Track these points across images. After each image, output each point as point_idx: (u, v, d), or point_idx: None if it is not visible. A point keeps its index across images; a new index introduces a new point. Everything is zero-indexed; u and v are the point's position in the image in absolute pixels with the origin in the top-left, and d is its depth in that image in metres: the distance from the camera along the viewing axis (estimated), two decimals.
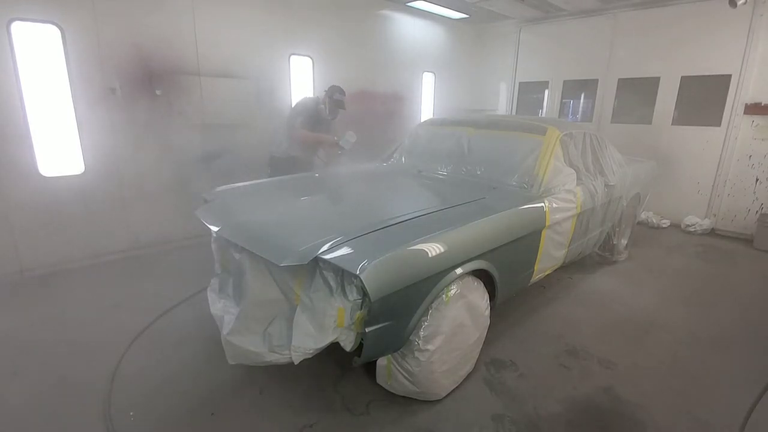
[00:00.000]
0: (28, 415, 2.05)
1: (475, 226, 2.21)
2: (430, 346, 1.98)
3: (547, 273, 3.04)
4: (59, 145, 3.57)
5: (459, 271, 2.04)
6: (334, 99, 3.99)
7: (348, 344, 1.82)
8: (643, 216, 5.58)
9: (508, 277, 2.45)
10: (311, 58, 5.15)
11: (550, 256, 2.89)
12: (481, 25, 7.26)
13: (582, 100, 6.57)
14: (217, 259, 2.49)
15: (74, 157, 3.64)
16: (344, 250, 1.79)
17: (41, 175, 3.48)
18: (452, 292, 2.03)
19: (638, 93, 5.82)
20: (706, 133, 5.29)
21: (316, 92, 5.27)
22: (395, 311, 1.83)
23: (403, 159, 3.72)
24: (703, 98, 5.33)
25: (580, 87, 6.47)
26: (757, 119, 4.90)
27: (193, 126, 4.24)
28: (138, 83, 3.84)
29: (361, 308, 1.77)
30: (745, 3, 4.16)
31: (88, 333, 2.74)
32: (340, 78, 5.43)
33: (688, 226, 5.41)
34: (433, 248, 1.91)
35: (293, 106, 4.22)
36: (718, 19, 4.98)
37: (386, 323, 1.81)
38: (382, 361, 2.14)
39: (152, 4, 3.81)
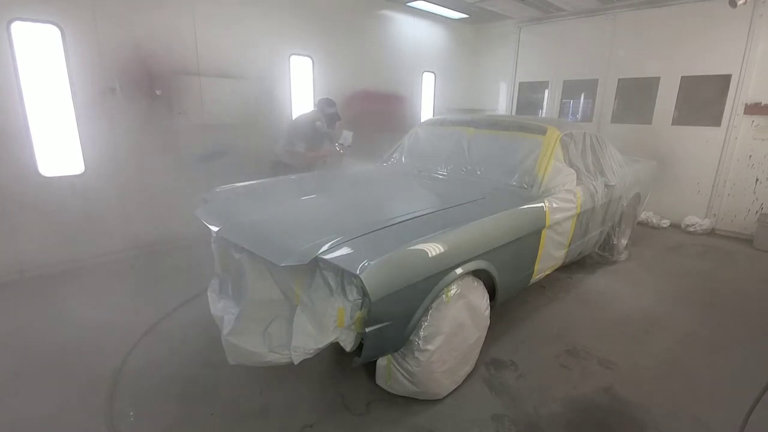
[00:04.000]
0: (29, 415, 2.05)
1: (475, 226, 2.21)
2: (430, 346, 1.98)
3: (547, 273, 3.04)
4: (59, 145, 3.57)
5: (459, 271, 2.04)
6: (327, 113, 4.15)
7: (348, 344, 1.82)
8: (643, 216, 5.58)
9: (508, 277, 2.45)
10: (311, 58, 5.15)
11: (550, 256, 2.89)
12: (481, 25, 7.26)
13: (582, 100, 6.56)
14: (217, 259, 2.49)
15: (74, 157, 3.64)
16: (344, 250, 1.79)
17: (41, 175, 3.48)
18: (452, 292, 2.03)
19: (638, 93, 5.82)
20: (706, 133, 5.29)
21: (316, 94, 5.28)
22: (395, 311, 1.83)
23: (403, 159, 3.72)
24: (703, 98, 5.32)
25: (580, 87, 6.47)
26: (757, 119, 4.90)
27: (193, 126, 4.24)
28: (138, 83, 3.84)
29: (361, 308, 1.77)
30: (745, 3, 4.16)
31: (87, 333, 2.74)
32: (340, 78, 5.47)
33: (688, 226, 5.41)
34: (433, 248, 1.91)
35: (292, 123, 4.29)
36: (718, 19, 4.98)
37: (386, 323, 1.81)
38: (382, 362, 2.14)
39: (152, 4, 3.81)
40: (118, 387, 2.24)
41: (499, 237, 2.30)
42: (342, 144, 4.03)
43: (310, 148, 4.03)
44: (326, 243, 1.82)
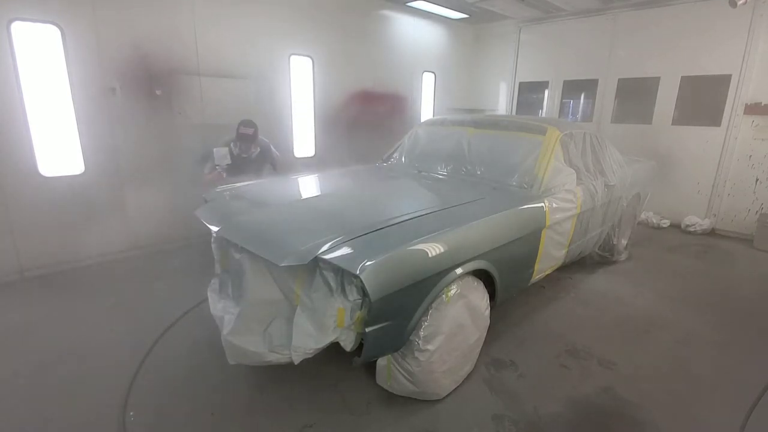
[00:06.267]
0: (28, 415, 2.05)
1: (475, 226, 2.21)
2: (430, 346, 1.98)
3: (547, 273, 3.04)
4: (59, 145, 3.57)
5: (459, 271, 2.04)
6: (239, 133, 3.80)
7: (348, 344, 1.82)
8: (643, 216, 5.58)
9: (508, 277, 2.45)
10: (311, 58, 5.15)
11: (550, 256, 2.89)
12: (481, 25, 7.26)
13: (582, 100, 6.57)
14: (217, 259, 2.49)
15: (74, 157, 3.64)
16: (344, 250, 1.79)
17: (41, 175, 3.48)
18: (452, 292, 2.03)
19: (638, 93, 5.82)
20: (706, 133, 5.29)
21: (316, 94, 5.28)
22: (395, 311, 1.83)
23: (403, 159, 3.72)
24: (703, 98, 5.32)
25: (580, 87, 6.47)
26: (757, 119, 4.90)
27: (193, 126, 4.24)
28: (138, 83, 3.84)
29: (361, 308, 1.77)
30: (745, 3, 4.15)
31: (87, 334, 2.74)
32: (340, 78, 5.47)
33: (688, 226, 5.41)
34: (433, 248, 1.91)
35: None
36: (718, 19, 4.98)
37: (386, 323, 1.81)
38: (382, 362, 2.14)
39: (152, 4, 3.80)
40: (117, 386, 2.24)
41: (499, 237, 2.30)
42: (219, 165, 3.69)
43: (208, 171, 3.85)
44: (326, 243, 1.83)
